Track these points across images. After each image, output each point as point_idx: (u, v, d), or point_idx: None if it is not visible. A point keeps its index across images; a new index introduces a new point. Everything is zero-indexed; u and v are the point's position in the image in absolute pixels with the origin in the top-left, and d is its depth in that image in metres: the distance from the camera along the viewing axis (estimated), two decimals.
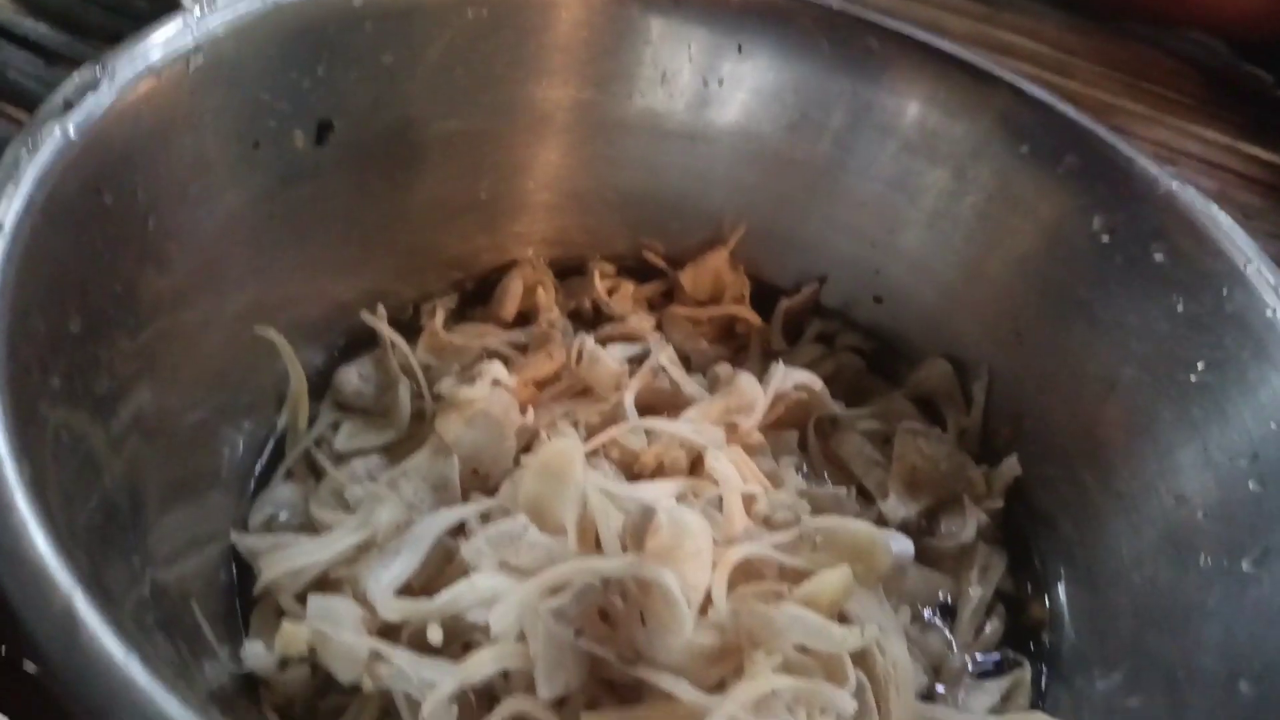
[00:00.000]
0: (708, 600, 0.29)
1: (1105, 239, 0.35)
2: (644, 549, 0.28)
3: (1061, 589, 0.35)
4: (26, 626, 0.17)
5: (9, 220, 0.23)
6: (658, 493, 0.31)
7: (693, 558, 0.28)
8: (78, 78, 0.27)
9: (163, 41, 0.29)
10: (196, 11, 0.30)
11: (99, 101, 0.27)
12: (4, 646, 0.29)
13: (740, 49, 0.39)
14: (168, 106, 0.29)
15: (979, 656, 0.34)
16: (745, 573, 0.30)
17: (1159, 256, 0.33)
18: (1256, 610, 0.26)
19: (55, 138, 0.25)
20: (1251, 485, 0.29)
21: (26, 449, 0.20)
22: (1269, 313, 0.30)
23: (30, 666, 0.31)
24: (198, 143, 0.30)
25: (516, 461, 0.34)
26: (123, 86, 0.27)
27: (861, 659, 0.30)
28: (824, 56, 0.39)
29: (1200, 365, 0.32)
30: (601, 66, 0.39)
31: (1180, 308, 0.33)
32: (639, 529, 0.28)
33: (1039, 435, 0.37)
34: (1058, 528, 0.36)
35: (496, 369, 0.35)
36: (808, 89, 0.39)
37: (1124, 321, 0.34)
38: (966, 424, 0.39)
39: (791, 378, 0.37)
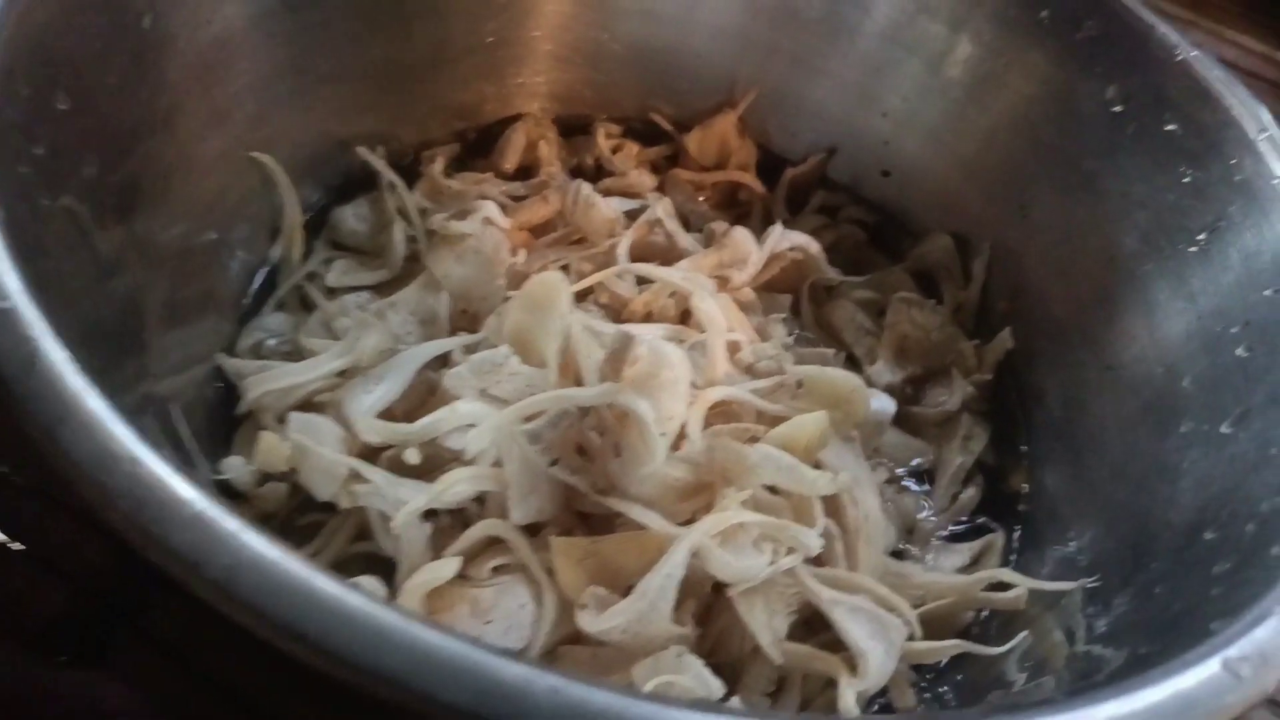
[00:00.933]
0: (683, 435, 0.29)
1: (1118, 108, 0.34)
2: (620, 377, 0.28)
3: (1044, 460, 0.35)
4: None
5: None
6: (642, 331, 0.31)
7: (669, 387, 0.28)
8: None
9: None
10: None
11: None
12: None
13: None
14: None
15: (954, 522, 0.34)
16: (724, 414, 0.30)
17: (1171, 125, 0.33)
18: (1231, 466, 0.26)
19: None
20: (1239, 351, 0.28)
21: (3, 199, 0.20)
22: (1276, 181, 0.30)
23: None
24: None
25: (506, 300, 0.34)
26: None
27: (834, 509, 0.30)
28: None
29: (1202, 235, 0.31)
30: None
31: (1188, 178, 0.32)
32: (618, 357, 0.28)
33: (1035, 310, 0.37)
34: (1045, 401, 0.35)
35: (490, 209, 0.35)
36: None
37: (1129, 192, 0.33)
38: (963, 299, 0.38)
39: (788, 238, 0.36)
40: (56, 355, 0.17)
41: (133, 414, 0.21)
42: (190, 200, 0.32)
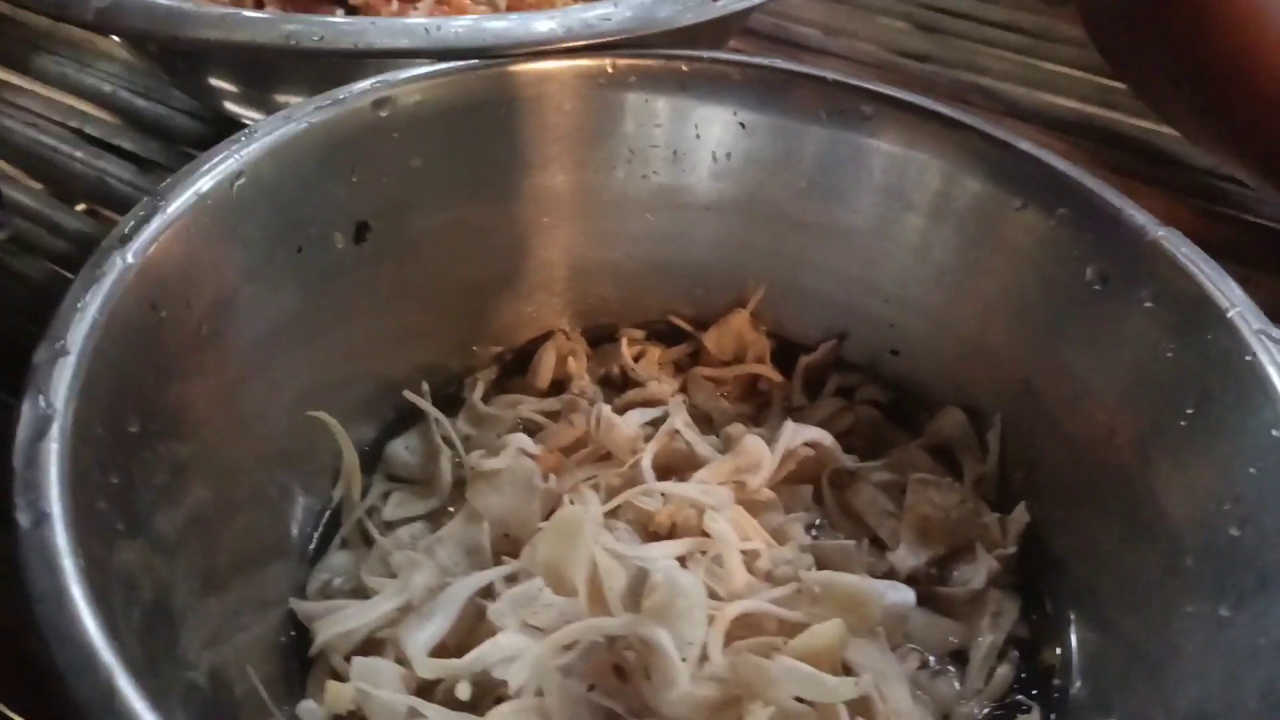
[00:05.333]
0: (706, 654, 0.31)
1: (1098, 286, 0.36)
2: (640, 609, 0.30)
3: (1072, 632, 0.36)
4: (73, 699, 0.21)
5: (76, 342, 0.27)
6: (661, 552, 0.34)
7: (686, 615, 0.30)
8: (136, 211, 0.31)
9: (209, 169, 0.33)
10: (240, 139, 0.34)
11: (153, 230, 0.31)
12: None
13: (743, 125, 0.41)
14: (215, 226, 0.33)
15: (989, 703, 0.35)
16: (747, 626, 0.32)
17: (1149, 303, 0.34)
18: (1229, 652, 0.27)
19: (116, 266, 0.29)
20: (1232, 530, 0.29)
21: (85, 544, 0.24)
22: (1248, 357, 0.31)
23: None
24: (246, 254, 0.34)
25: (542, 525, 0.37)
26: (174, 213, 0.32)
27: (864, 708, 0.32)
28: (822, 124, 0.41)
29: (1190, 410, 0.32)
30: (613, 150, 0.42)
31: (1170, 353, 0.33)
32: (635, 589, 0.30)
33: (1049, 481, 0.38)
34: (1069, 572, 0.36)
35: (522, 440, 0.38)
36: (811, 156, 0.41)
37: (1121, 367, 0.35)
38: (982, 471, 0.40)
39: (801, 435, 0.39)
40: (129, 694, 0.21)
41: (184, 697, 0.24)
42: (254, 465, 0.35)
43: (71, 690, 0.21)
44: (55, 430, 0.25)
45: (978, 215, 0.39)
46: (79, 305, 0.28)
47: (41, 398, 0.26)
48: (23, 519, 0.23)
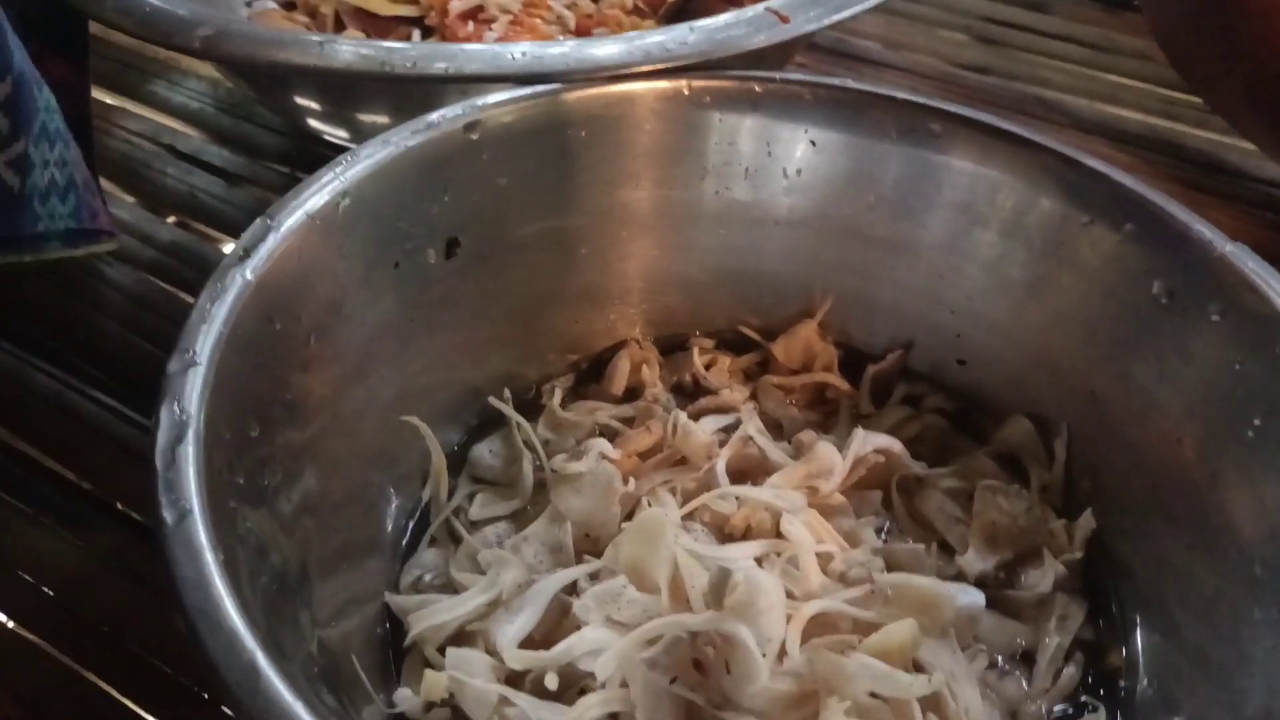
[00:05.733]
0: (784, 650, 0.32)
1: (1165, 301, 0.37)
2: (722, 606, 0.32)
3: (1138, 636, 0.36)
4: (222, 677, 0.23)
5: (204, 353, 0.30)
6: (740, 553, 0.35)
7: (766, 613, 0.32)
8: (253, 230, 0.34)
9: (317, 190, 0.36)
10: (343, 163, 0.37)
11: (268, 248, 0.33)
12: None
13: (814, 143, 0.43)
14: (322, 243, 0.35)
15: (1056, 703, 0.36)
16: (821, 625, 0.34)
17: (1215, 317, 0.35)
18: None
19: (236, 282, 0.32)
20: None
21: (221, 538, 0.26)
22: None
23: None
24: (349, 269, 0.37)
25: (622, 526, 0.38)
26: (286, 232, 0.34)
27: (935, 705, 0.33)
28: (892, 142, 0.42)
29: (1257, 421, 0.33)
30: (688, 167, 0.43)
31: (1238, 365, 0.34)
32: (718, 588, 0.32)
33: (1115, 489, 0.39)
34: (1134, 577, 0.37)
35: (602, 445, 0.40)
36: (880, 173, 0.43)
37: (1187, 379, 0.36)
38: (1048, 479, 0.41)
39: (871, 442, 0.40)
40: (270, 674, 0.23)
41: (308, 675, 0.27)
42: (353, 464, 0.38)
43: (223, 673, 0.23)
44: (190, 435, 0.27)
45: (1045, 230, 0.40)
46: (205, 318, 0.30)
47: (177, 404, 0.28)
48: (168, 515, 0.25)
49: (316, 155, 0.36)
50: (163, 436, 0.27)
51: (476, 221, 0.41)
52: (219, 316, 0.31)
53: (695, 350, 0.46)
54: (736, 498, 0.38)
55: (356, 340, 0.37)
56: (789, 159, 0.43)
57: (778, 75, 0.43)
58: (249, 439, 0.30)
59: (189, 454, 0.27)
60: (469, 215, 0.40)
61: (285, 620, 0.28)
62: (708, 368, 0.46)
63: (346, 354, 0.37)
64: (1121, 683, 0.36)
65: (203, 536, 0.25)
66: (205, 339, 0.30)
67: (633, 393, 0.46)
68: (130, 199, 0.61)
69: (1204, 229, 0.37)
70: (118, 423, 0.48)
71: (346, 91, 0.52)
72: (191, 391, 0.28)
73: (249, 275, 0.32)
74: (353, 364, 0.37)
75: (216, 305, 0.31)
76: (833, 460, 0.39)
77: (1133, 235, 0.38)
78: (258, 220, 0.34)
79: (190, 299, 0.54)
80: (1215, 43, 0.53)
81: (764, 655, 0.31)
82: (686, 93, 0.42)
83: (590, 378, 0.47)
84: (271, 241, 0.33)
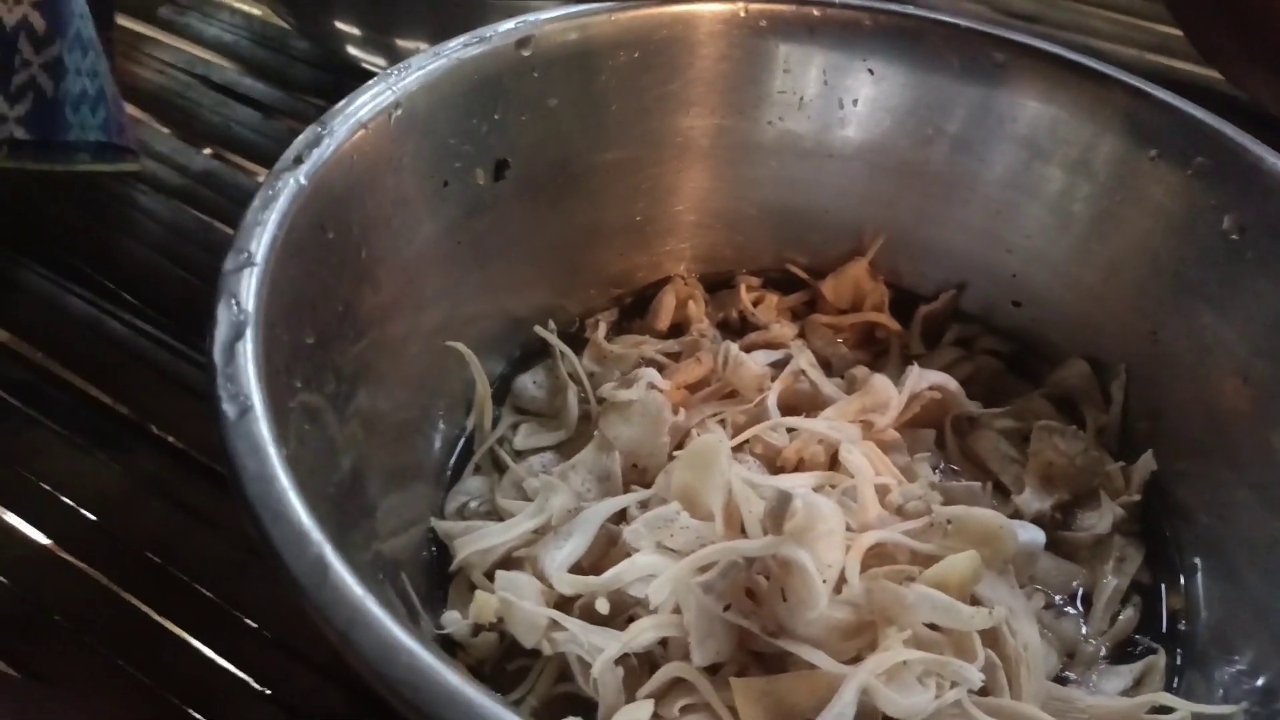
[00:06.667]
0: (842, 579, 0.32)
1: (1235, 236, 0.36)
2: (782, 531, 0.31)
3: (1199, 579, 0.36)
4: (289, 571, 0.22)
5: (260, 253, 0.29)
6: (795, 483, 0.34)
7: (825, 538, 0.31)
8: (306, 136, 0.33)
9: (369, 99, 0.35)
10: (395, 73, 0.36)
11: (321, 154, 0.32)
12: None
13: (872, 71, 0.42)
14: (374, 154, 0.34)
15: (1113, 643, 0.35)
16: (879, 556, 0.33)
17: None
18: None
19: (290, 186, 0.31)
20: None
21: (283, 435, 0.25)
22: None
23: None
24: (398, 183, 0.36)
25: (670, 456, 0.38)
26: (339, 140, 0.33)
27: (993, 640, 0.32)
28: (953, 72, 0.41)
29: None
30: (743, 95, 0.42)
31: None
32: (777, 513, 0.31)
33: (1176, 430, 0.38)
34: (1194, 520, 0.37)
35: (651, 374, 0.39)
36: (939, 104, 0.42)
37: (1256, 316, 0.35)
38: (1105, 422, 0.40)
39: (926, 379, 0.39)
40: (338, 565, 0.22)
41: (376, 579, 0.26)
42: (400, 383, 0.37)
43: (289, 564, 0.22)
44: (250, 332, 0.27)
45: (1110, 165, 0.39)
46: (260, 220, 0.30)
47: (235, 302, 0.27)
48: (229, 410, 0.25)
49: (352, 89, 0.35)
50: (221, 333, 0.26)
51: (525, 144, 0.40)
52: (273, 219, 0.30)
53: (742, 287, 0.45)
54: (789, 430, 0.38)
55: (405, 258, 0.36)
56: (846, 89, 0.42)
57: (836, 0, 0.41)
58: (305, 345, 0.30)
59: (248, 350, 0.26)
60: (518, 137, 0.39)
61: (350, 527, 0.28)
62: (755, 305, 0.45)
63: (396, 271, 0.36)
64: (1181, 626, 0.35)
65: (265, 431, 0.24)
66: (261, 240, 0.29)
67: (677, 329, 0.45)
68: (165, 130, 0.60)
69: (1277, 161, 0.35)
70: (153, 347, 0.47)
71: (385, 15, 0.51)
72: (248, 291, 0.28)
73: (303, 180, 0.31)
74: (401, 282, 0.36)
75: (270, 208, 0.30)
76: (888, 394, 0.38)
77: (1202, 169, 0.37)
78: (310, 127, 0.33)
79: (226, 228, 0.54)
80: (1228, 14, 0.52)
81: (823, 581, 0.31)
82: (743, 15, 0.41)
83: (634, 313, 0.46)
84: (325, 148, 0.32)
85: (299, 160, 0.32)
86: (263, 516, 0.23)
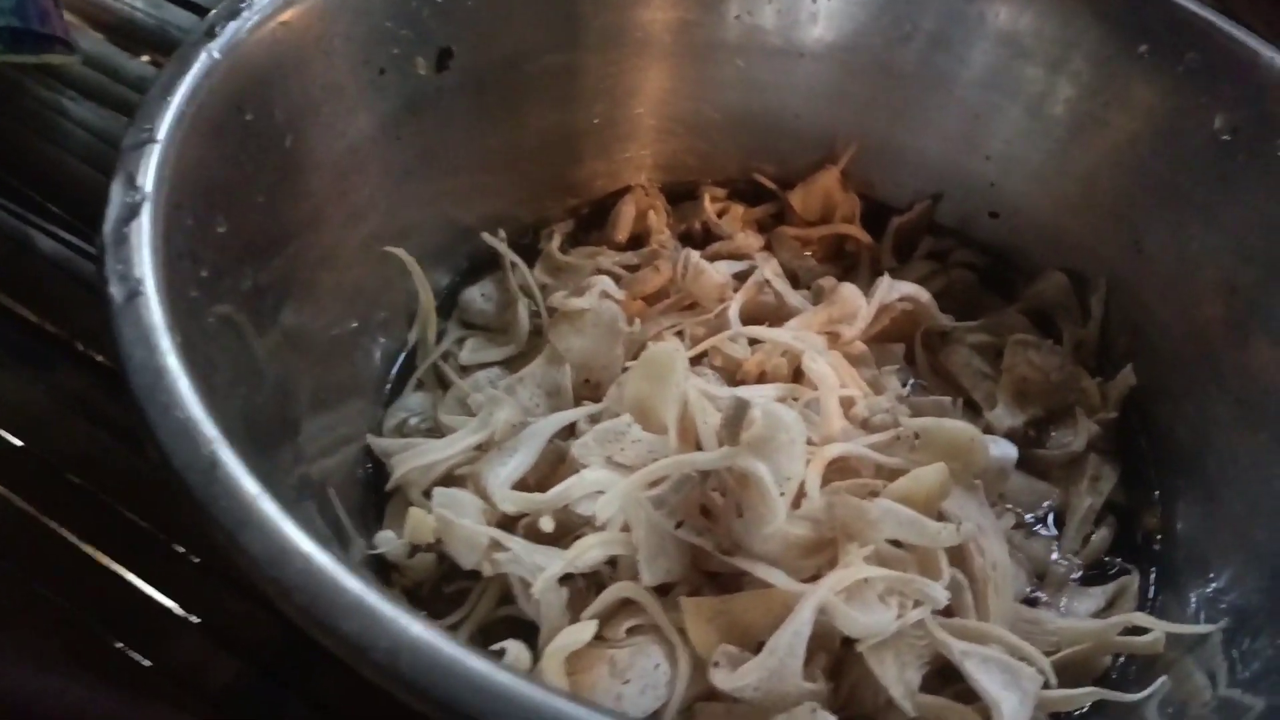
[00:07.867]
0: (802, 493, 0.30)
1: (1227, 137, 0.33)
2: (738, 442, 0.29)
3: (1176, 498, 0.34)
4: (173, 466, 0.20)
5: (163, 130, 0.26)
6: (756, 394, 0.32)
7: (786, 449, 0.29)
8: (222, 6, 0.30)
9: None
10: None
11: (240, 27, 0.29)
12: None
13: None
14: (301, 32, 0.31)
15: (1086, 565, 0.34)
16: (841, 471, 0.31)
17: None
18: None
19: (201, 59, 0.28)
20: None
21: (179, 323, 0.23)
22: None
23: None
24: (329, 67, 0.33)
25: (625, 370, 0.35)
26: (262, 13, 0.30)
27: (960, 559, 0.31)
28: None
29: None
30: None
31: None
32: (734, 422, 0.29)
33: (1157, 344, 0.36)
34: (1174, 437, 0.35)
35: (605, 283, 0.37)
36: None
37: (1244, 220, 0.33)
38: (1083, 336, 0.38)
39: (897, 289, 0.37)
40: (233, 462, 0.20)
41: (293, 498, 0.24)
42: (333, 294, 0.34)
43: (173, 458, 0.20)
44: (146, 212, 0.24)
45: (1096, 63, 0.37)
46: (166, 94, 0.27)
47: (131, 180, 0.25)
48: (115, 293, 0.22)
49: None
50: (112, 212, 0.24)
51: (472, 33, 0.37)
52: (180, 94, 0.27)
53: (706, 197, 0.43)
54: (751, 341, 0.35)
55: (337, 152, 0.34)
56: None
57: None
58: (215, 232, 0.27)
59: (144, 230, 0.24)
60: (464, 24, 0.36)
61: (267, 444, 0.25)
62: (719, 216, 0.42)
63: (326, 167, 0.33)
64: (1156, 547, 0.34)
65: (155, 316, 0.22)
66: (165, 116, 0.26)
67: (637, 242, 0.42)
68: (98, 35, 0.56)
69: (1275, 56, 0.33)
70: (79, 259, 0.44)
71: None
72: (147, 169, 0.25)
73: (216, 54, 0.28)
74: (332, 178, 0.34)
75: (178, 82, 0.27)
76: (857, 304, 0.36)
77: (1194, 65, 0.35)
78: None
79: None
80: None
81: (781, 495, 0.29)
82: None
83: (592, 224, 0.43)
84: (244, 20, 0.29)
85: (212, 33, 0.29)
86: (147, 410, 0.20)
